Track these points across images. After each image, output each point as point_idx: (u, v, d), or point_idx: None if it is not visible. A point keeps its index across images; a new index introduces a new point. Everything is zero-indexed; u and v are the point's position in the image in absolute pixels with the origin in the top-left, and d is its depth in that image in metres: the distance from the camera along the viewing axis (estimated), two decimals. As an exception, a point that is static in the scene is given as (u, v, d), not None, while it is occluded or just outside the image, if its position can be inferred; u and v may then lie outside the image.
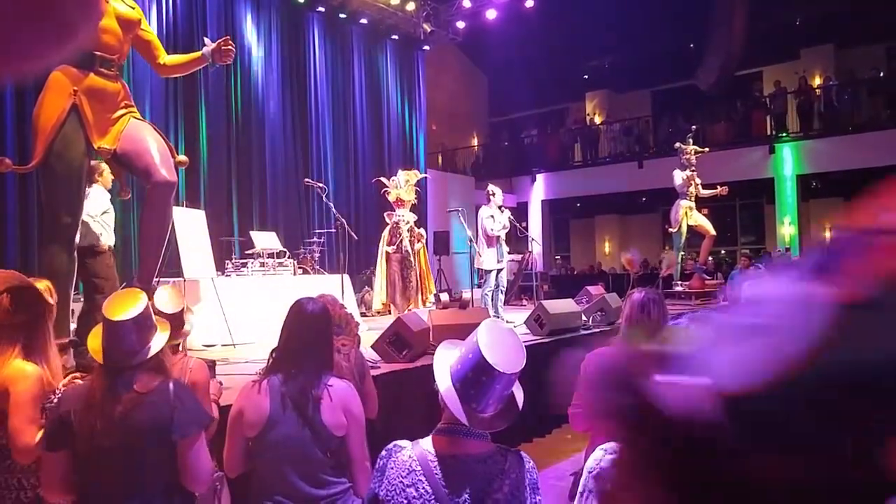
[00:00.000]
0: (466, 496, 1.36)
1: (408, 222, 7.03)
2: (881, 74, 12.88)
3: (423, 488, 1.36)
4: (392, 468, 1.42)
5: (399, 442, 1.49)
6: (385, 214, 7.24)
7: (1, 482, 1.84)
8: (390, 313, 7.12)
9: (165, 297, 2.20)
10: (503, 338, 1.41)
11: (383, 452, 1.48)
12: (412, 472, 1.39)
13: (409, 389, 3.83)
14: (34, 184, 6.14)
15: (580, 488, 1.08)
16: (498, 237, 6.78)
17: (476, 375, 1.37)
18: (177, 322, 2.18)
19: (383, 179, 7.33)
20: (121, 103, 3.35)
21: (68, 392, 1.71)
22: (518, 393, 1.49)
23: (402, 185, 7.11)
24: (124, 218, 7.36)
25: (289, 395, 1.88)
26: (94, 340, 1.71)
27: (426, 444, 1.45)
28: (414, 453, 1.42)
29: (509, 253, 7.41)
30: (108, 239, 3.86)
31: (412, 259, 6.93)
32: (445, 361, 1.47)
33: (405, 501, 1.37)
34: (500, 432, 1.46)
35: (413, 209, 7.35)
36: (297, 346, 1.97)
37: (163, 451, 1.68)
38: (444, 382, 1.42)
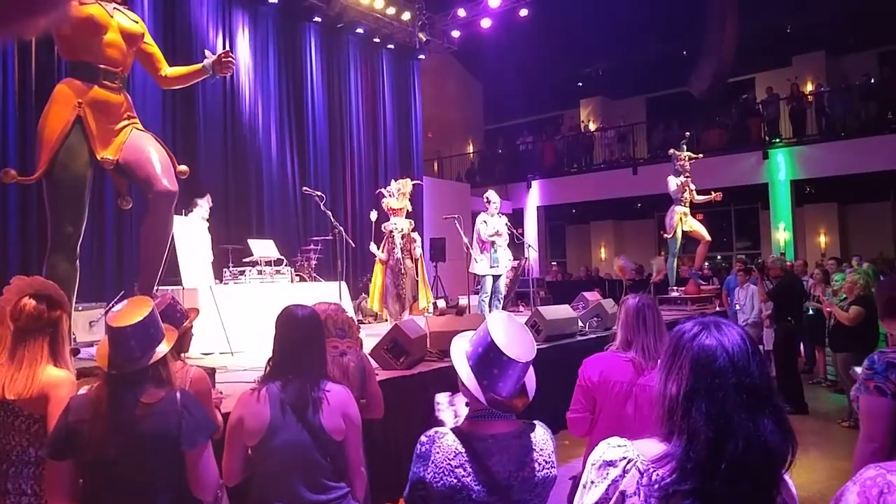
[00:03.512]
0: (510, 468, 1.52)
1: (401, 230, 7.09)
2: (872, 81, 13.02)
3: (472, 467, 1.50)
4: (437, 452, 1.53)
5: (438, 428, 1.60)
6: (381, 225, 7.31)
7: (12, 487, 1.85)
8: (386, 320, 7.18)
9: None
10: (513, 328, 1.56)
11: (424, 439, 1.58)
12: (459, 454, 1.52)
13: (407, 396, 3.85)
14: (35, 194, 6.17)
15: (583, 480, 1.12)
16: (493, 243, 6.82)
17: (498, 368, 1.51)
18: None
19: (384, 191, 7.45)
20: (124, 115, 3.40)
21: (76, 401, 1.71)
22: (530, 374, 1.64)
23: (394, 193, 7.22)
24: (125, 227, 7.39)
25: (288, 402, 1.90)
26: (102, 348, 1.73)
27: (465, 428, 1.59)
28: (457, 437, 1.55)
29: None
30: None
31: (403, 267, 6.99)
32: (462, 354, 1.60)
33: (455, 480, 1.50)
34: None
35: (409, 216, 7.42)
36: (293, 353, 1.98)
37: (171, 460, 1.69)
38: (465, 374, 1.56)
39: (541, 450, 1.57)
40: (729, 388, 1.01)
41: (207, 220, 6.41)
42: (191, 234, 5.97)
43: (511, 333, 1.54)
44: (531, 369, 1.64)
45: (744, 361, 1.03)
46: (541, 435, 1.60)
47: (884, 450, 1.86)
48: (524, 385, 1.60)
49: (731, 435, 0.99)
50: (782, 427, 1.02)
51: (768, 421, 1.01)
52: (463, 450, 1.52)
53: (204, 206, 6.36)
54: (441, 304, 9.52)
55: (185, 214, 6.28)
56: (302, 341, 1.99)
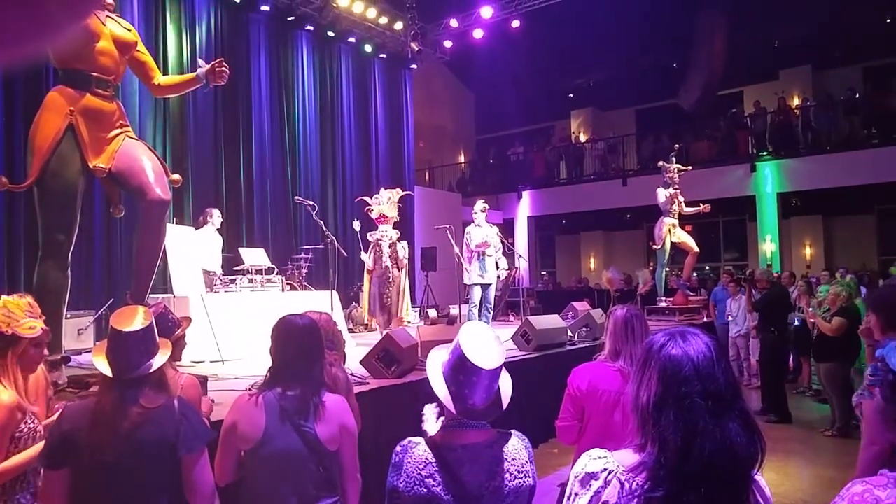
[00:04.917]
0: (480, 478, 1.51)
1: (389, 238, 7.12)
2: (857, 95, 13.26)
3: (441, 477, 1.50)
4: (409, 462, 1.54)
5: (412, 438, 1.60)
6: (367, 234, 7.33)
7: None
8: (375, 329, 7.19)
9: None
10: (482, 338, 1.56)
11: (398, 448, 1.59)
12: (429, 464, 1.52)
13: (398, 405, 3.86)
14: (22, 201, 6.13)
15: (567, 493, 1.15)
16: (482, 253, 6.85)
17: (464, 375, 1.52)
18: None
19: (367, 199, 7.44)
20: (116, 123, 3.39)
21: (70, 409, 1.71)
22: (505, 383, 1.64)
23: (384, 201, 7.24)
24: (113, 235, 7.36)
25: (285, 410, 1.90)
26: (99, 355, 1.74)
27: (437, 438, 1.58)
28: (428, 447, 1.55)
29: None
30: None
31: (390, 276, 7.01)
32: (437, 365, 1.61)
33: (425, 490, 1.49)
34: None
35: (399, 226, 7.42)
36: (292, 362, 1.99)
37: (167, 467, 1.69)
38: (438, 384, 1.57)
39: (513, 460, 1.55)
40: (695, 396, 1.04)
41: (219, 230, 6.73)
42: (197, 244, 6.13)
43: (480, 342, 1.54)
44: (508, 380, 1.64)
45: (709, 369, 1.07)
46: (514, 445, 1.58)
47: (884, 453, 1.90)
48: (498, 394, 1.60)
49: (698, 440, 1.02)
50: (748, 429, 1.05)
51: (734, 424, 1.04)
52: (433, 460, 1.51)
53: (216, 217, 6.68)
54: (432, 313, 9.53)
55: (201, 225, 6.51)
56: (302, 351, 2.00)
